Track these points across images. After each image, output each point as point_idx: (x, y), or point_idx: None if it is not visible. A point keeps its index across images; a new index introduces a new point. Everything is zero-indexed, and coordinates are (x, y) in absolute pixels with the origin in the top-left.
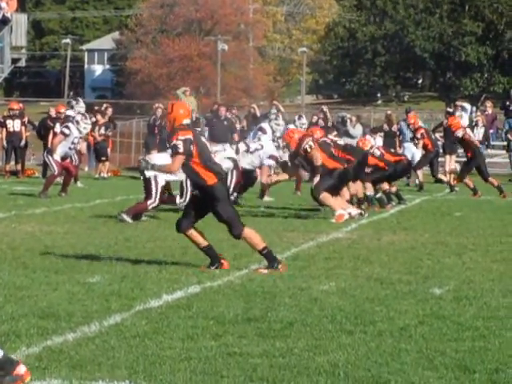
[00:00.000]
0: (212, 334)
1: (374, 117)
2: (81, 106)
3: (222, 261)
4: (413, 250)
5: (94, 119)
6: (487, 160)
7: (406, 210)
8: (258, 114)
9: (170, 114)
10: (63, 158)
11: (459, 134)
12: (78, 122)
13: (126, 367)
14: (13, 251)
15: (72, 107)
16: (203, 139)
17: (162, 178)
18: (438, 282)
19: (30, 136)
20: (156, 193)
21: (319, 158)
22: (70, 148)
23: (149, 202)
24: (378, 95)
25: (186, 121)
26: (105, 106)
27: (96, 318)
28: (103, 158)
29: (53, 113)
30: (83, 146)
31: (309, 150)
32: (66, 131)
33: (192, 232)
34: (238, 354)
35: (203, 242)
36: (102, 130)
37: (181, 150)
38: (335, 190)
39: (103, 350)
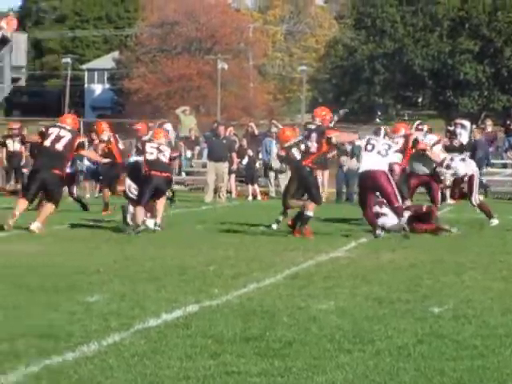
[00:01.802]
0: (210, 353)
1: None
2: None
3: None
4: (412, 268)
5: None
6: (488, 178)
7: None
8: (256, 132)
9: None
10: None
11: None
12: None
13: None
14: (12, 270)
15: None
16: None
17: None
18: (437, 300)
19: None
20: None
21: None
22: None
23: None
24: (379, 113)
25: None
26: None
27: (95, 338)
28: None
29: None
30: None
31: None
32: None
33: None
34: (237, 373)
35: None
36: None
37: None
38: None
39: (102, 370)
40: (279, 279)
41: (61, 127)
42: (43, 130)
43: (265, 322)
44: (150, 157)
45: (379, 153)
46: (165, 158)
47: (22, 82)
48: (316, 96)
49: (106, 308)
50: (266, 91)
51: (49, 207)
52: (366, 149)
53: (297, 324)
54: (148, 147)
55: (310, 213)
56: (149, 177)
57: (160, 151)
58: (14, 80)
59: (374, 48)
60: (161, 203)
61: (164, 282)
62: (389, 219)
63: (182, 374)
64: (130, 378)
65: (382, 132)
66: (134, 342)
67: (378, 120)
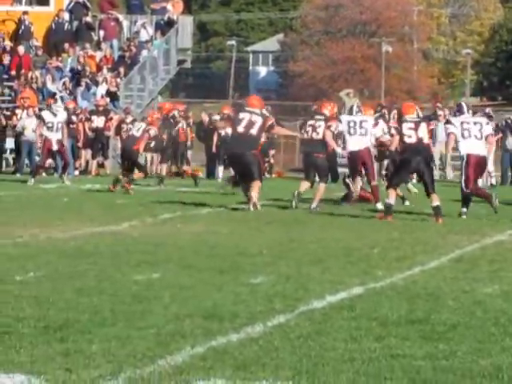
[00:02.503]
0: (375, 335)
1: None
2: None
3: None
4: None
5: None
6: None
7: None
8: (421, 115)
9: None
10: None
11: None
12: None
13: (289, 368)
14: (178, 251)
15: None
16: None
17: None
18: None
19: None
20: None
21: None
22: None
23: None
24: None
25: None
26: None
27: (260, 319)
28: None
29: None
30: None
31: None
32: None
33: None
34: (401, 356)
35: None
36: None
37: None
38: None
39: (267, 351)
40: (444, 262)
41: (251, 112)
42: (230, 114)
43: (429, 304)
44: (304, 136)
45: (476, 137)
46: (319, 135)
47: (188, 64)
48: (480, 80)
49: (270, 289)
50: (429, 74)
51: (256, 184)
52: (463, 136)
53: (461, 307)
54: (307, 126)
55: (438, 202)
56: (305, 157)
57: (314, 129)
58: (180, 62)
59: None
60: (322, 185)
61: (328, 263)
62: None
63: (346, 356)
64: (295, 359)
65: (465, 107)
66: (298, 323)
67: None
